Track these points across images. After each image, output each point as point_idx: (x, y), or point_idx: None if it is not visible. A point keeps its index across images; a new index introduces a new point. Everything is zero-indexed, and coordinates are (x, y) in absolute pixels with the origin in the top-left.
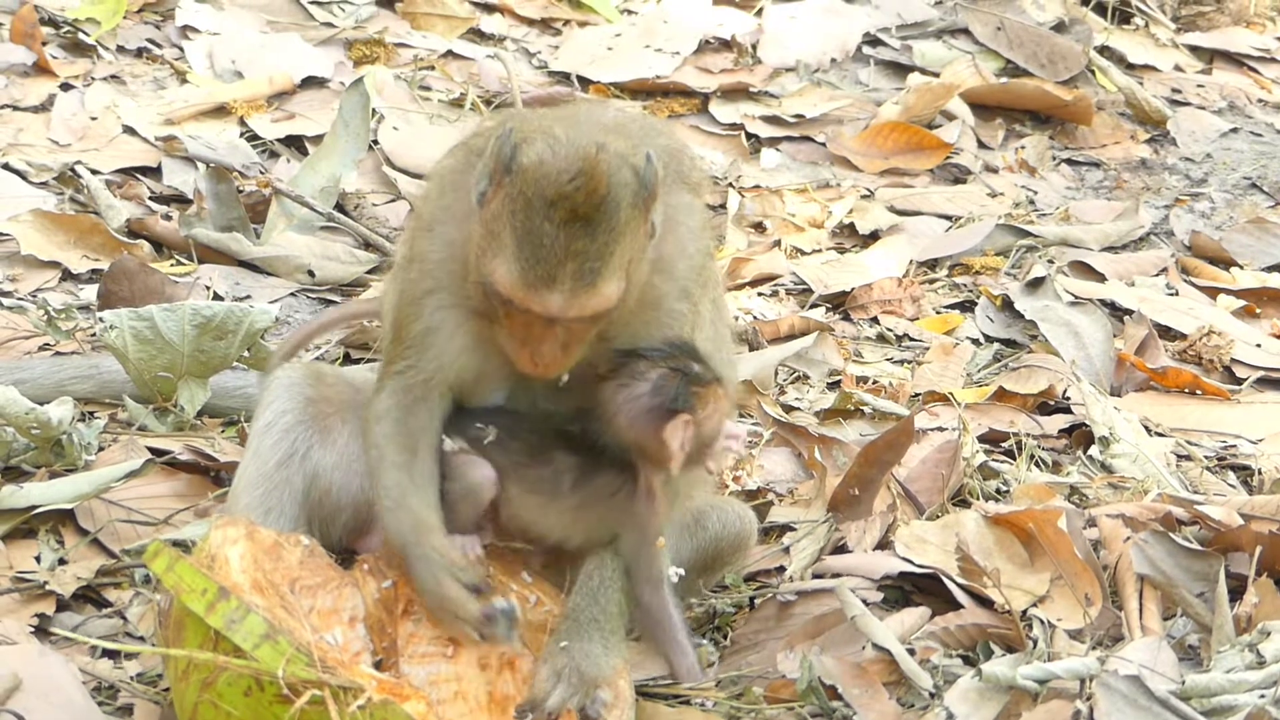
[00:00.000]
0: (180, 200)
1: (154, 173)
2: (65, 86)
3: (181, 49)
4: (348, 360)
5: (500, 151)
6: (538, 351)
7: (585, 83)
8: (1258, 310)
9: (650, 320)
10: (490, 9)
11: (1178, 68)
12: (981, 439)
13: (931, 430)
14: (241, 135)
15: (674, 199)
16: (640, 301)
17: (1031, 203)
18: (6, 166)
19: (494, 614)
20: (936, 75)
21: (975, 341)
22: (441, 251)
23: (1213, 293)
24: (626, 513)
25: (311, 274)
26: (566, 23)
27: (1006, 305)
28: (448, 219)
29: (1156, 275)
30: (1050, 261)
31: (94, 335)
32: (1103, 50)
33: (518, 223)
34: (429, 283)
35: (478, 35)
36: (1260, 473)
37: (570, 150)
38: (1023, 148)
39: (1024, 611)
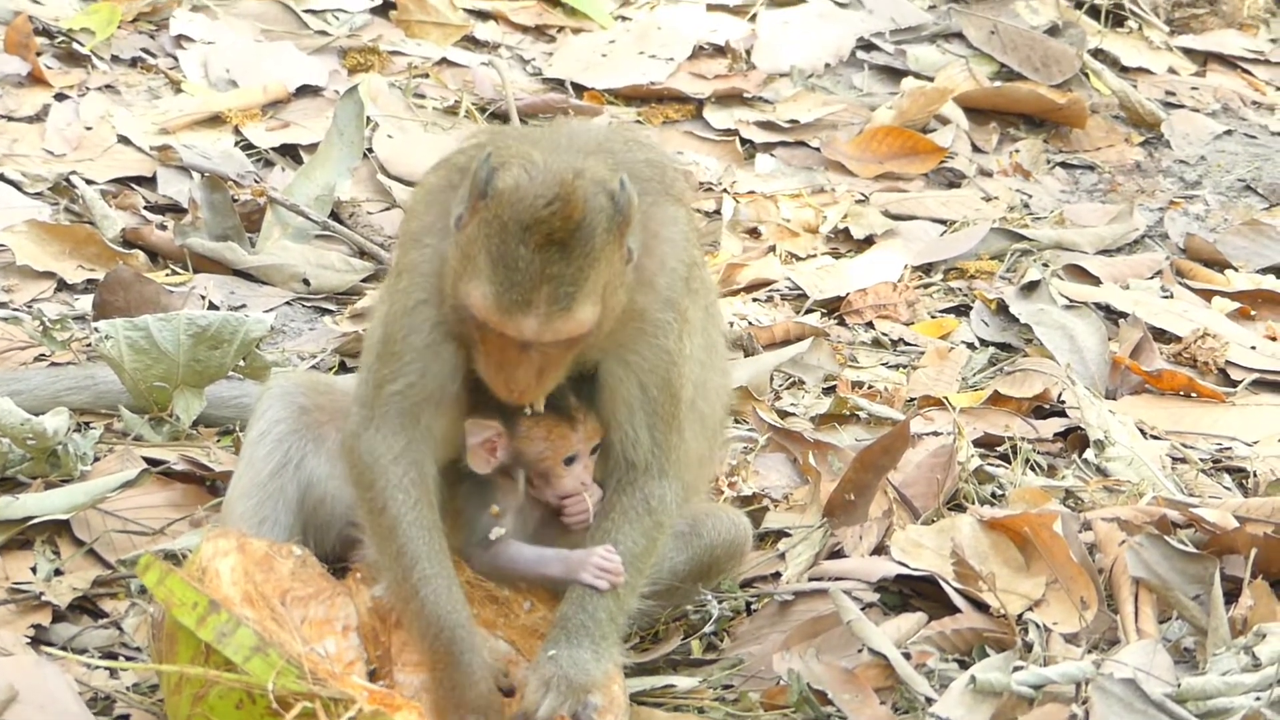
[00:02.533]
0: (175, 210)
1: (149, 182)
2: (60, 96)
3: (176, 58)
4: (343, 369)
5: (477, 176)
6: (512, 378)
7: (579, 89)
8: (1252, 312)
9: (634, 330)
10: (484, 16)
11: (1171, 70)
12: (976, 443)
13: (927, 435)
14: (236, 144)
15: (656, 213)
16: (620, 318)
17: (1026, 206)
18: (1, 177)
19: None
20: (930, 79)
21: (970, 345)
22: (430, 264)
23: (1207, 295)
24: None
25: (307, 283)
26: (560, 29)
27: (1001, 309)
28: (433, 234)
29: (1151, 278)
30: (1045, 265)
31: (89, 345)
32: (1096, 53)
33: (493, 246)
34: (420, 294)
35: (472, 42)
36: (1255, 475)
37: (547, 175)
38: (1017, 151)
39: (1020, 615)
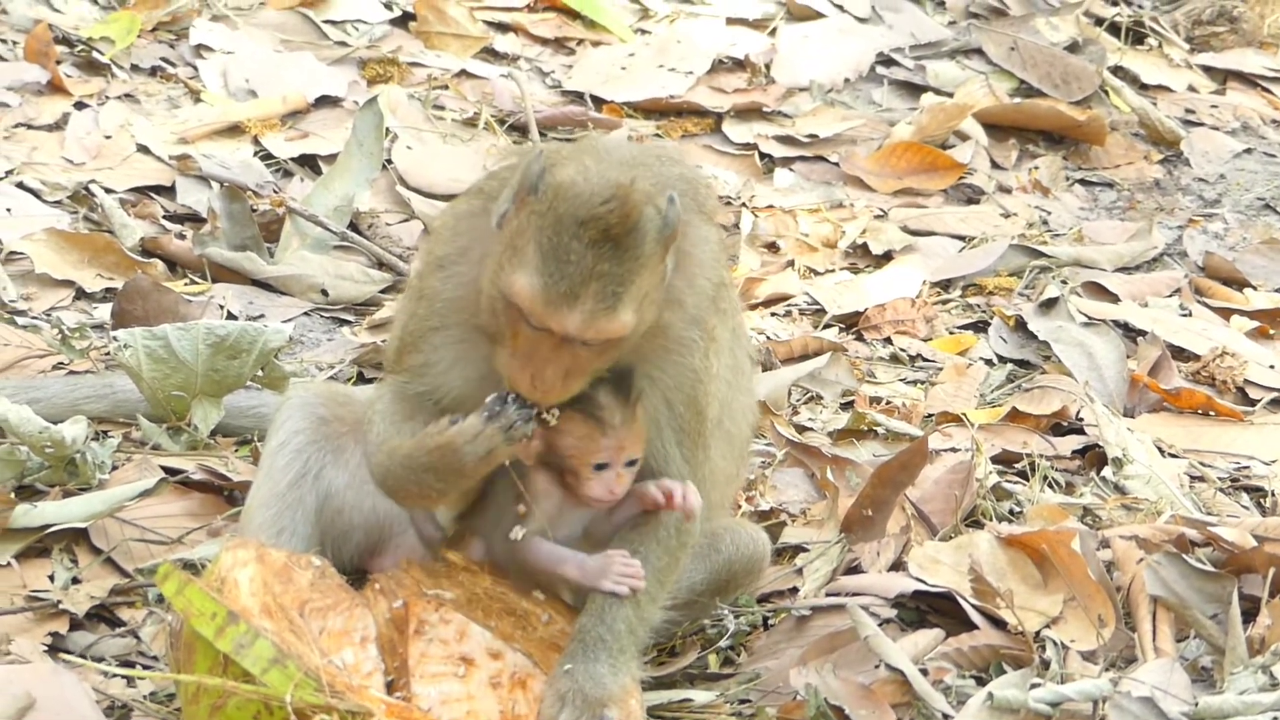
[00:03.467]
0: (194, 219)
1: (168, 191)
2: (79, 105)
3: (195, 68)
4: (361, 380)
5: (529, 170)
6: (540, 374)
7: (599, 102)
8: (1271, 331)
9: (659, 347)
10: (504, 28)
11: (1191, 88)
12: (995, 460)
13: (945, 451)
14: (255, 154)
15: (690, 231)
16: (646, 332)
17: (1045, 223)
18: (21, 185)
19: (492, 409)
20: (950, 95)
21: (988, 362)
22: (453, 291)
23: (1226, 314)
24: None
25: (325, 293)
26: (580, 42)
27: (1020, 326)
28: (460, 260)
29: (1170, 296)
30: (1064, 282)
31: (108, 354)
32: (1116, 71)
33: (544, 238)
34: (435, 321)
35: (491, 54)
36: (1274, 494)
37: (603, 177)
38: (1036, 168)
39: (1037, 633)
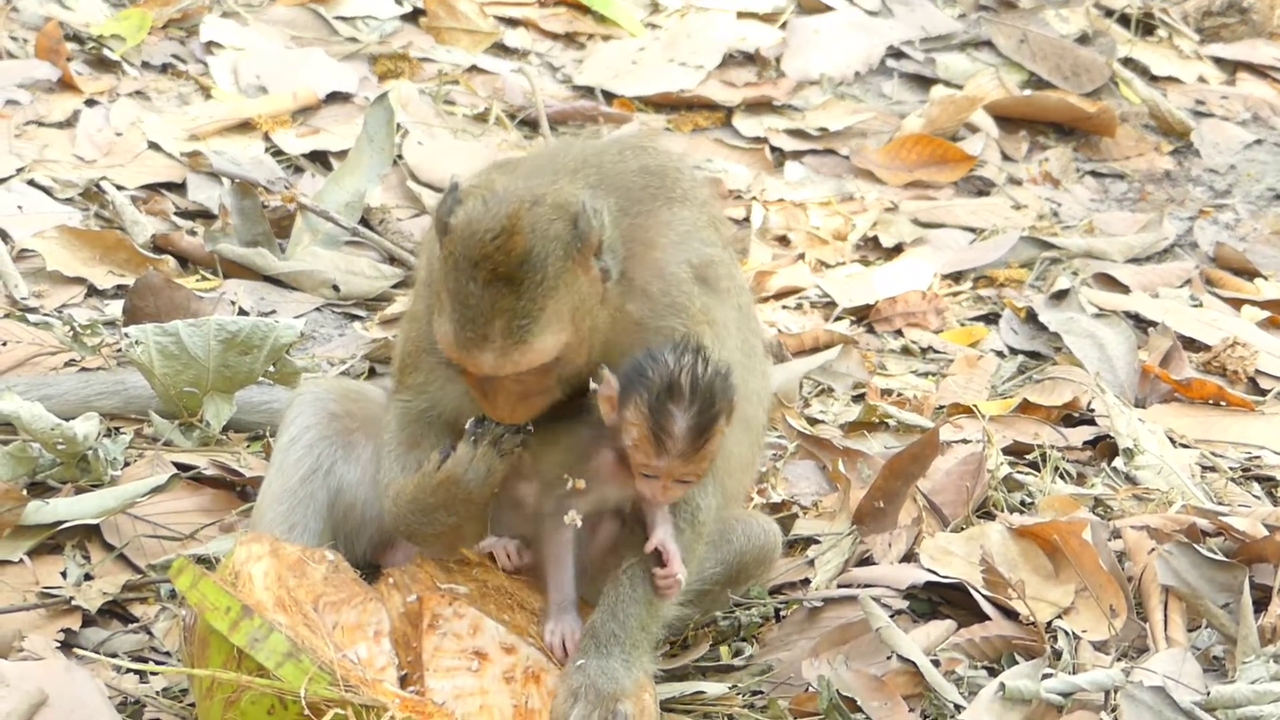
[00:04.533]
0: (205, 215)
1: (179, 188)
2: (90, 102)
3: (206, 64)
4: (372, 375)
5: (440, 211)
6: (495, 405)
7: (609, 96)
8: None
9: (636, 342)
10: (514, 23)
11: (1201, 79)
12: (1006, 451)
13: (956, 443)
14: (266, 150)
15: (649, 221)
16: (616, 330)
17: (1055, 215)
18: (32, 183)
19: (475, 431)
20: (960, 88)
21: (999, 354)
22: (428, 310)
23: (1237, 304)
24: (584, 455)
25: (336, 289)
26: (590, 37)
27: (1030, 317)
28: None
29: (1180, 287)
30: (1074, 273)
31: (119, 351)
32: (1126, 62)
33: (450, 283)
34: (424, 342)
35: (502, 50)
36: None
37: (498, 208)
38: (1046, 160)
39: (1049, 623)
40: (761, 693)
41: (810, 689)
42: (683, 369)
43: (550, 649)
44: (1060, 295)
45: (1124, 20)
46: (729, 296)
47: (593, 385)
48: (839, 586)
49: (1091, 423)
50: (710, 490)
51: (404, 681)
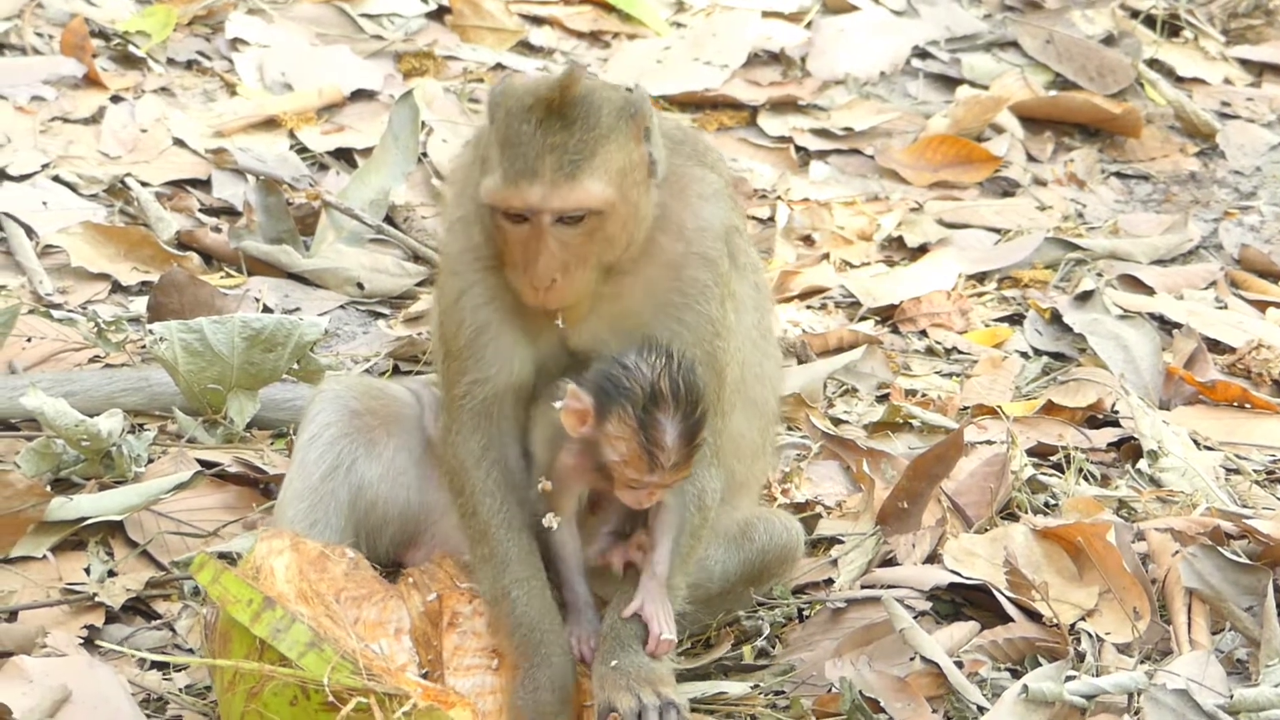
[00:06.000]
0: (230, 213)
1: (204, 185)
2: (115, 99)
3: (231, 61)
4: (396, 372)
5: (493, 93)
6: (535, 270)
7: None
8: None
9: (673, 290)
10: (539, 22)
11: (1227, 81)
12: (1030, 452)
13: (980, 443)
14: (291, 148)
15: (685, 171)
16: (647, 256)
17: (1080, 216)
18: (57, 179)
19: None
20: (985, 88)
21: (1024, 355)
22: (462, 240)
23: (1262, 306)
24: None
25: (361, 286)
26: (615, 35)
27: (1055, 318)
28: (460, 208)
29: (1205, 288)
30: (1099, 275)
31: (144, 347)
32: (1152, 63)
33: (501, 136)
34: (460, 281)
35: (527, 48)
36: None
37: (554, 75)
38: (1071, 161)
39: (1072, 625)
40: (784, 693)
41: (833, 690)
42: (659, 373)
43: (674, 708)
44: (1085, 296)
45: (1149, 21)
46: (747, 273)
47: (555, 403)
48: (862, 587)
49: (1116, 424)
50: (714, 472)
51: (424, 680)
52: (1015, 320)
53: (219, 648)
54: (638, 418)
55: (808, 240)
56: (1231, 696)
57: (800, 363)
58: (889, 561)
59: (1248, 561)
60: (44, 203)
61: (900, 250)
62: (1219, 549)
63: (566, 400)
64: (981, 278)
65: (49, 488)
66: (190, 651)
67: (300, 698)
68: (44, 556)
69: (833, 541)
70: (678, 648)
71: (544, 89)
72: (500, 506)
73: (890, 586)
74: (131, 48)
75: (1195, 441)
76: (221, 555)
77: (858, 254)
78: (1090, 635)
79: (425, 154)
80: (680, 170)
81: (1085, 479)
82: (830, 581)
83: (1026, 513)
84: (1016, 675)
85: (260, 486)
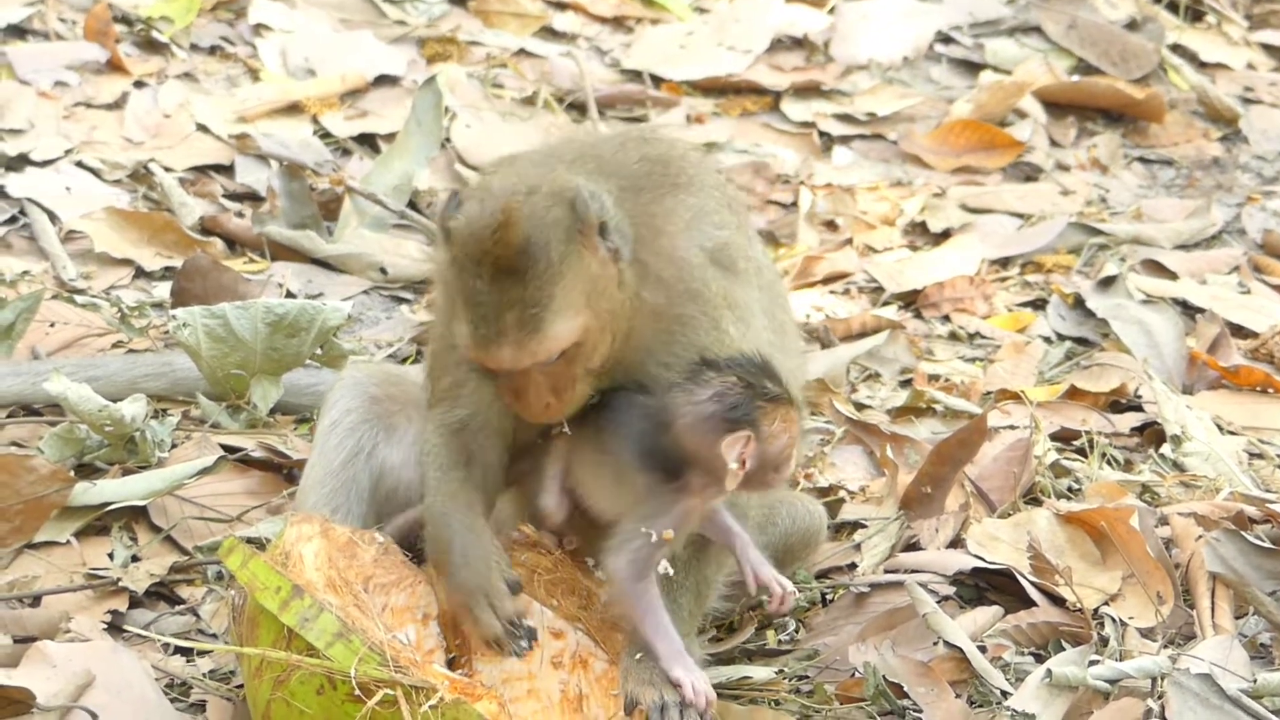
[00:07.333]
0: (253, 198)
1: (227, 170)
2: (139, 84)
3: (254, 47)
4: (419, 357)
5: (440, 218)
6: (527, 403)
7: (657, 81)
8: None
9: (658, 331)
10: (562, 7)
11: (1250, 66)
12: (1053, 437)
13: (1003, 428)
14: (314, 133)
15: (654, 208)
16: (637, 318)
17: (1103, 201)
18: (80, 164)
19: (519, 630)
20: (1008, 73)
21: (1047, 340)
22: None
23: None
24: (663, 505)
25: (384, 272)
26: (639, 20)
27: (1078, 303)
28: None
29: (1229, 273)
30: (1122, 260)
31: (167, 333)
32: (1175, 48)
33: (459, 285)
34: (447, 344)
35: (550, 33)
36: None
37: (495, 202)
38: (1094, 146)
39: (1096, 610)
40: (807, 677)
41: (856, 674)
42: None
43: (692, 704)
44: (1108, 281)
45: (1173, 6)
46: (749, 277)
47: (728, 462)
48: (886, 572)
49: (1139, 409)
50: None
51: (452, 665)
52: (1038, 305)
53: (247, 632)
54: (768, 402)
55: (831, 225)
56: (1255, 681)
57: (823, 348)
58: (912, 546)
59: (1271, 546)
60: (67, 188)
61: (923, 235)
62: (1242, 534)
63: (728, 449)
64: (1004, 263)
65: (72, 473)
66: (214, 637)
67: (327, 688)
68: (67, 542)
69: (856, 526)
70: (702, 634)
71: (489, 238)
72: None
73: (914, 571)
74: (155, 33)
75: (1218, 426)
76: (248, 540)
77: (881, 239)
78: (1113, 620)
79: (448, 139)
80: (649, 214)
81: (1108, 464)
82: (853, 566)
83: (1050, 497)
84: (1040, 660)
85: (283, 472)
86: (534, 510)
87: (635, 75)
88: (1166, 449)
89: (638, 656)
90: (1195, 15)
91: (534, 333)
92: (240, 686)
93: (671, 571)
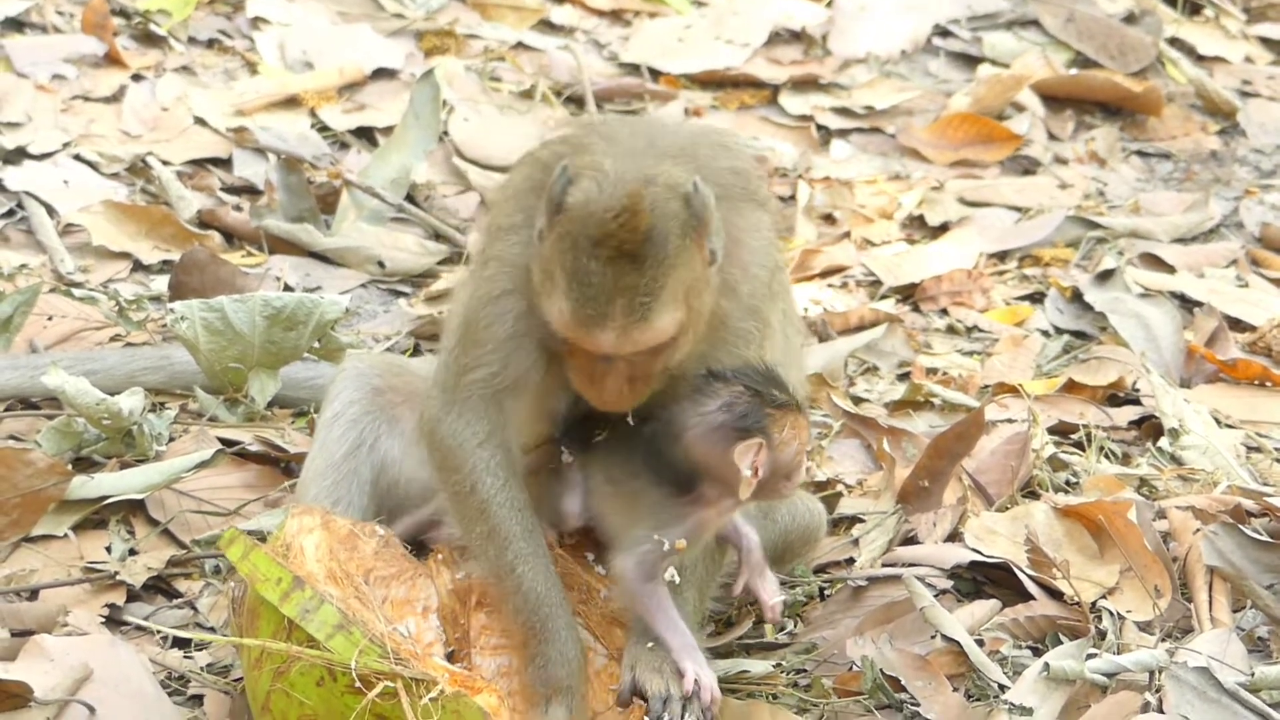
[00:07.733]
0: (251, 191)
1: (225, 164)
2: (136, 77)
3: (252, 40)
4: (417, 351)
5: (552, 191)
6: (603, 389)
7: (655, 74)
8: None
9: (716, 340)
10: (560, 0)
11: (1248, 59)
12: (1051, 430)
13: (1001, 422)
14: (312, 126)
15: (739, 219)
16: (710, 322)
17: (1101, 194)
18: (78, 157)
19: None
20: (1006, 67)
21: (1045, 333)
22: (517, 256)
23: None
24: (677, 516)
25: (382, 265)
26: (637, 14)
27: (1076, 297)
28: (518, 231)
29: (1226, 267)
30: (1120, 253)
31: (165, 326)
32: (1173, 42)
33: (567, 262)
34: (505, 283)
35: (548, 26)
36: None
37: (616, 186)
38: (1092, 139)
39: (1093, 603)
40: (805, 671)
41: (854, 668)
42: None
43: (696, 698)
44: (1106, 275)
45: (1170, 0)
46: (778, 300)
47: (742, 471)
48: (883, 565)
49: (1137, 403)
50: None
51: (451, 658)
52: (1036, 299)
53: (247, 624)
54: (777, 409)
55: (829, 219)
56: (1253, 674)
57: (821, 341)
58: (910, 540)
59: (1269, 539)
60: (65, 181)
61: (921, 229)
62: (1240, 527)
63: (741, 457)
64: (1002, 256)
65: (70, 466)
66: (212, 630)
67: (327, 679)
68: (65, 535)
69: (854, 520)
70: (703, 628)
71: (612, 222)
72: (502, 485)
73: (911, 565)
74: (152, 26)
75: (1216, 419)
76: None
77: (879, 232)
78: (1111, 613)
79: (446, 132)
80: (733, 223)
81: (1106, 457)
82: (851, 560)
83: (1047, 491)
84: (1037, 653)
85: (281, 465)
86: (553, 510)
87: (633, 68)
88: (1164, 442)
89: (649, 645)
90: (1193, 9)
91: (641, 321)
92: (239, 680)
93: (678, 580)
